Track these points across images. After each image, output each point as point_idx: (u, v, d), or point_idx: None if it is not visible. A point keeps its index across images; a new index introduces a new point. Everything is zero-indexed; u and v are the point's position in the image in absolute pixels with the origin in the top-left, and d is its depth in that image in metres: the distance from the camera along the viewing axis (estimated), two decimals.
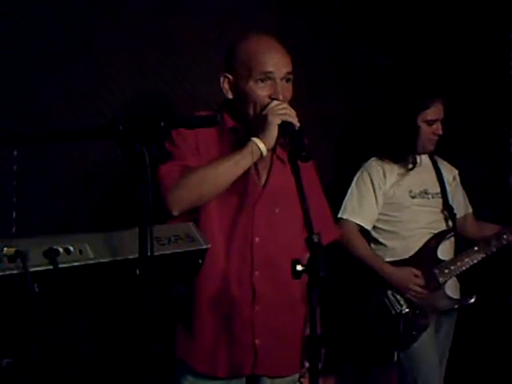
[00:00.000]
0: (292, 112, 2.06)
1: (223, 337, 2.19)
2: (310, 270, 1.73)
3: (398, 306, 3.00)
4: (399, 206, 3.06)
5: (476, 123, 3.64)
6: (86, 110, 2.54)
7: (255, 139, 2.04)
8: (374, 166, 3.09)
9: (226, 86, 2.18)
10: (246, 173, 2.15)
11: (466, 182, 3.29)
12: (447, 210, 3.11)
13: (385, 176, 3.06)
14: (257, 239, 2.20)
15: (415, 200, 3.06)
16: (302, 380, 2.29)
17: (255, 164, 2.19)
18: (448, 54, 3.63)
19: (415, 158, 3.09)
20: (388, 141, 3.11)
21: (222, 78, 2.19)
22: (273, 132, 2.03)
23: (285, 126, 2.03)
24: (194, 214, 2.14)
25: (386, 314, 3.01)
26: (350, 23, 3.40)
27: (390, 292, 3.02)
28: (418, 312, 3.00)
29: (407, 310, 2.99)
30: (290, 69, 2.14)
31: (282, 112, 2.05)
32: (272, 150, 2.21)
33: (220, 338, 2.19)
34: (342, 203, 3.06)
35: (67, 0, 2.49)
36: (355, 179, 3.10)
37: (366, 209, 3.06)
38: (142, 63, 2.70)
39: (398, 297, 3.01)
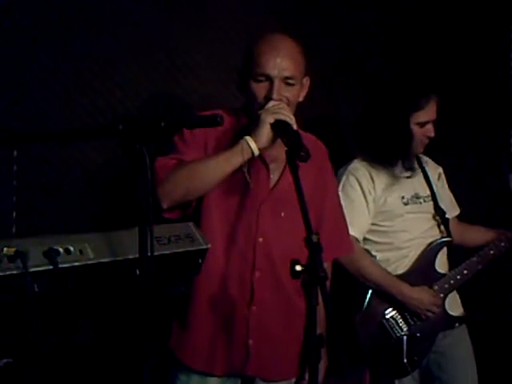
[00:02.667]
0: (288, 112, 2.05)
1: (219, 335, 2.20)
2: (310, 271, 1.73)
3: (398, 330, 2.77)
4: (391, 214, 2.79)
5: (476, 123, 3.64)
6: (86, 110, 2.54)
7: (247, 137, 2.04)
8: (360, 168, 2.80)
9: (239, 84, 2.21)
10: (245, 173, 2.16)
11: (465, 183, 3.26)
12: (439, 214, 2.89)
13: (373, 180, 2.78)
14: (260, 239, 2.20)
15: (408, 207, 2.81)
16: None
17: (266, 164, 2.20)
18: (448, 54, 3.64)
19: (411, 163, 2.83)
20: (378, 144, 2.79)
21: (237, 76, 2.22)
22: (264, 130, 2.02)
23: (281, 126, 2.02)
24: (187, 208, 2.15)
25: (384, 339, 2.76)
26: (349, 28, 3.40)
27: (388, 313, 2.78)
28: (418, 335, 2.79)
29: (408, 333, 2.77)
30: (290, 73, 2.11)
31: (274, 111, 2.04)
32: (286, 153, 2.19)
33: (216, 335, 2.20)
34: None
35: (67, 0, 2.49)
36: (341, 185, 2.75)
37: (359, 218, 2.74)
38: (142, 63, 2.69)
39: (398, 318, 2.78)
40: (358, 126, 2.91)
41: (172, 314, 2.25)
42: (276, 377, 2.29)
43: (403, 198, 2.83)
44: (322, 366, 2.19)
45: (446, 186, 3.05)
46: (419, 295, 2.77)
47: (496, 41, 3.76)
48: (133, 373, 1.68)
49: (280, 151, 2.18)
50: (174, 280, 2.01)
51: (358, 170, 2.80)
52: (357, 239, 2.75)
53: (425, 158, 3.00)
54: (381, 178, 2.81)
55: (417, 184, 2.90)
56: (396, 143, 2.77)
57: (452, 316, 2.87)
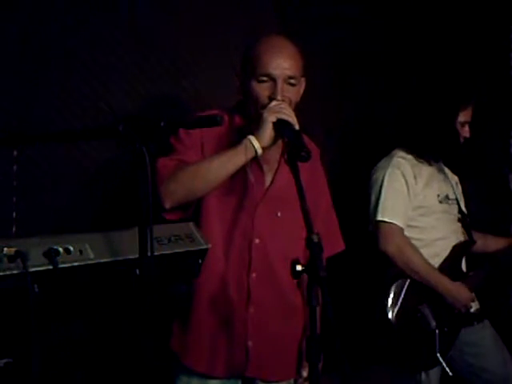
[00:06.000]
0: (290, 112, 2.05)
1: (219, 336, 2.20)
2: (310, 271, 1.73)
3: (433, 323, 2.82)
4: (428, 210, 2.88)
5: (476, 123, 3.63)
6: (86, 110, 2.54)
7: (250, 137, 2.04)
8: (404, 164, 2.87)
9: (237, 84, 2.21)
10: (248, 172, 2.17)
11: (465, 183, 3.27)
12: (462, 217, 3.00)
13: (415, 176, 2.86)
14: (257, 240, 2.20)
15: (441, 205, 2.92)
16: None
17: (260, 165, 2.20)
18: (448, 54, 3.63)
19: (455, 161, 2.99)
20: (425, 140, 2.90)
21: (236, 77, 2.22)
22: (267, 130, 2.02)
23: (283, 126, 2.02)
24: (188, 209, 2.14)
25: (419, 332, 2.81)
26: (354, 25, 3.40)
27: (422, 307, 2.83)
28: (446, 330, 2.84)
29: (438, 327, 2.82)
30: (292, 73, 2.12)
31: (277, 110, 2.04)
32: (281, 153, 2.21)
33: (215, 337, 2.20)
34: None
35: (67, 0, 2.49)
36: (386, 176, 2.84)
37: (403, 209, 2.83)
38: (142, 63, 2.69)
39: (429, 313, 2.83)
40: (403, 122, 3.01)
41: (172, 314, 2.25)
42: (275, 377, 2.29)
43: (438, 196, 2.93)
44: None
45: (462, 195, 3.14)
46: (460, 289, 2.86)
47: (496, 41, 3.76)
48: (133, 373, 1.68)
49: (274, 152, 2.20)
50: (174, 280, 2.01)
51: (403, 165, 2.87)
52: (402, 229, 2.83)
53: (445, 168, 3.09)
54: (422, 175, 2.89)
55: (448, 186, 3.01)
56: (445, 140, 2.89)
57: (472, 313, 2.95)
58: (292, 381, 2.32)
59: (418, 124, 2.93)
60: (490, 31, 3.71)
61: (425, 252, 2.86)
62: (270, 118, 2.02)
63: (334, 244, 2.38)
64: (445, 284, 2.84)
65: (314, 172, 2.31)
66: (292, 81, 2.13)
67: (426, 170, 2.92)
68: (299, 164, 1.97)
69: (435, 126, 2.88)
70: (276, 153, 2.22)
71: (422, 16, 3.60)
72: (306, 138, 2.27)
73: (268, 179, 2.24)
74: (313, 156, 2.28)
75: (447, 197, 2.96)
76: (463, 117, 2.90)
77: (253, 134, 2.04)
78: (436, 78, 3.06)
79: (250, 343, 2.21)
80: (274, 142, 2.07)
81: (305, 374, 2.24)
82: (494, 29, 3.74)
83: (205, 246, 1.94)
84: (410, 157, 2.90)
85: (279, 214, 2.23)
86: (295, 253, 2.00)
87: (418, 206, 2.87)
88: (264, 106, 2.09)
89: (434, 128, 2.88)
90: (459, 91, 2.92)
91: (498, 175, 3.79)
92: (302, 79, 2.21)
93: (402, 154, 2.91)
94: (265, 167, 2.23)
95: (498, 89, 3.77)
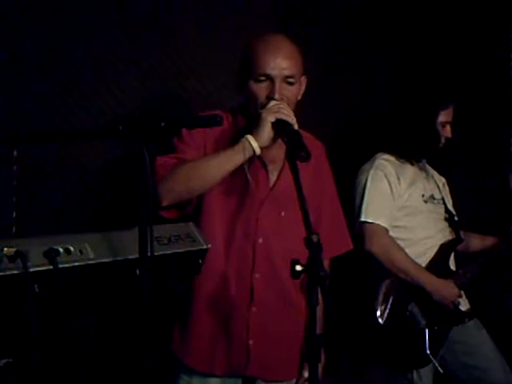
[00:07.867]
0: (289, 112, 2.05)
1: (219, 335, 2.20)
2: (310, 270, 1.73)
3: (419, 323, 2.82)
4: (414, 210, 2.89)
5: (476, 123, 3.64)
6: (86, 110, 2.54)
7: (248, 136, 2.04)
8: (386, 165, 2.89)
9: (238, 84, 2.21)
10: (247, 172, 2.16)
11: (465, 183, 3.27)
12: (450, 217, 3.00)
13: (398, 177, 2.87)
14: (260, 240, 2.20)
15: (427, 205, 2.93)
16: None
17: (264, 164, 2.20)
18: (448, 55, 3.63)
19: (435, 159, 3.00)
20: (407, 141, 2.91)
21: (235, 77, 2.22)
22: (266, 129, 2.02)
23: (282, 126, 2.02)
24: (185, 208, 2.15)
25: (408, 331, 2.80)
26: (351, 24, 3.40)
27: (410, 306, 2.82)
28: (436, 328, 2.84)
29: (427, 326, 2.81)
30: (290, 73, 2.12)
31: (276, 110, 2.04)
32: (285, 152, 2.20)
33: (216, 336, 2.20)
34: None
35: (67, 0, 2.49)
36: (369, 178, 2.85)
37: (387, 209, 2.84)
38: (142, 63, 2.69)
39: (418, 312, 2.83)
40: (386, 123, 3.02)
41: (173, 314, 2.25)
42: (277, 377, 2.29)
43: (423, 195, 2.95)
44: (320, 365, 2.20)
45: (449, 196, 3.14)
46: (446, 286, 2.86)
47: (496, 41, 3.76)
48: (133, 372, 1.68)
49: (278, 152, 2.19)
50: (174, 280, 2.01)
51: (385, 166, 2.89)
52: (387, 230, 2.83)
53: (430, 168, 3.10)
54: (405, 175, 2.90)
55: (432, 186, 3.02)
56: (425, 140, 2.90)
57: (462, 312, 2.94)
58: (293, 381, 2.32)
59: (398, 124, 2.95)
60: (490, 31, 3.71)
61: (411, 251, 2.86)
62: (268, 118, 2.03)
63: (342, 243, 2.39)
64: (431, 281, 2.84)
65: (319, 170, 2.31)
66: (290, 80, 2.13)
67: (410, 171, 2.93)
68: (304, 163, 1.96)
69: (415, 126, 2.90)
70: (281, 152, 2.21)
71: (421, 16, 3.60)
72: (310, 136, 2.28)
73: (273, 179, 2.24)
74: (317, 154, 2.28)
75: (432, 196, 2.97)
76: (443, 117, 2.90)
77: (252, 134, 2.04)
78: (417, 79, 3.08)
79: (251, 342, 2.21)
80: (273, 141, 2.07)
81: (306, 374, 2.24)
82: (494, 29, 3.74)
83: (205, 246, 1.94)
84: (392, 158, 2.92)
85: (283, 214, 2.23)
86: (299, 253, 1.98)
87: (402, 206, 2.87)
88: (263, 106, 2.09)
89: (413, 128, 2.90)
90: (438, 91, 2.93)
91: (498, 175, 3.79)
92: (303, 78, 2.21)
93: (384, 156, 2.93)
94: (270, 167, 2.23)
95: (498, 89, 3.77)
